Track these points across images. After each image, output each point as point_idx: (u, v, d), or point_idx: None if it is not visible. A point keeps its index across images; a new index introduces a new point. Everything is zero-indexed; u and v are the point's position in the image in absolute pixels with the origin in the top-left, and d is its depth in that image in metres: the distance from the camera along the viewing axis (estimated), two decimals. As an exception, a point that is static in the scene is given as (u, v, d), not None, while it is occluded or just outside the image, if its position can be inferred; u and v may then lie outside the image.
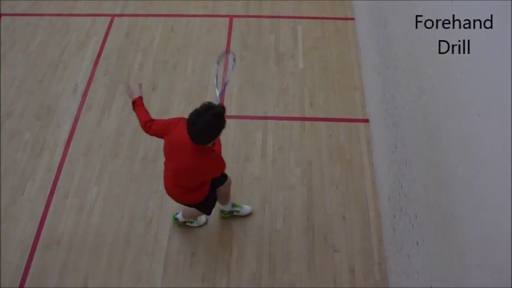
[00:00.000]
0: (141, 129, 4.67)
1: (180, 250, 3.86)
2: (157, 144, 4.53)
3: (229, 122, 4.66)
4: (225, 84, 3.55)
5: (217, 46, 5.42)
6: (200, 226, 3.95)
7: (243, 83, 5.04)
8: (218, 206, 3.81)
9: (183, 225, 3.94)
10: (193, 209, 3.56)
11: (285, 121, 4.70)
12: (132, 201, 4.15)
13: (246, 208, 4.01)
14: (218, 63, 3.55)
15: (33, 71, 5.20)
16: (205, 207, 3.55)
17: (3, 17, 5.80)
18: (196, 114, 2.79)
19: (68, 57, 5.33)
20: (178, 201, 3.45)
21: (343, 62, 5.20)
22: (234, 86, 5.01)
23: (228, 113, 4.75)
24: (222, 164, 3.10)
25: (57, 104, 4.88)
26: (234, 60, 3.56)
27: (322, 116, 4.73)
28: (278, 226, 3.98)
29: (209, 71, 5.15)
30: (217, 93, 3.40)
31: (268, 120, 4.71)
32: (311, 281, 3.69)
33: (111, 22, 5.71)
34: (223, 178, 3.59)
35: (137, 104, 3.36)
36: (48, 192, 4.22)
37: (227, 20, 5.72)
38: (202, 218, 3.94)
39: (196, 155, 2.96)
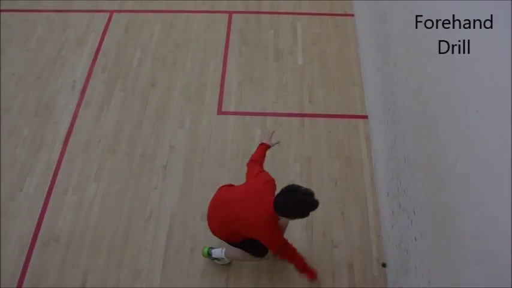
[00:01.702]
0: (139, 125, 4.68)
1: (179, 246, 3.86)
2: (156, 141, 4.53)
3: (228, 119, 4.71)
4: None
5: (216, 42, 5.41)
6: (224, 264, 3.73)
7: (242, 79, 5.03)
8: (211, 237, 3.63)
9: (209, 258, 3.71)
10: (248, 259, 3.46)
11: (284, 117, 4.70)
12: (131, 197, 4.15)
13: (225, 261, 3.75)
14: None
15: (31, 67, 5.18)
16: (257, 249, 3.35)
17: (1, 13, 5.78)
18: (294, 189, 2.94)
19: (66, 54, 5.32)
20: (223, 239, 3.37)
21: (343, 58, 5.19)
22: (233, 82, 5.00)
23: (226, 109, 4.78)
24: (277, 238, 3.10)
25: (55, 101, 4.87)
26: None
27: (321, 112, 4.73)
28: (277, 222, 3.98)
29: (208, 68, 5.14)
30: None
31: (267, 117, 4.70)
32: (310, 277, 3.69)
33: (109, 18, 5.69)
34: (259, 252, 3.41)
35: (261, 150, 3.46)
36: (47, 188, 4.22)
37: (226, 16, 5.71)
38: (225, 259, 3.72)
39: (262, 217, 2.99)
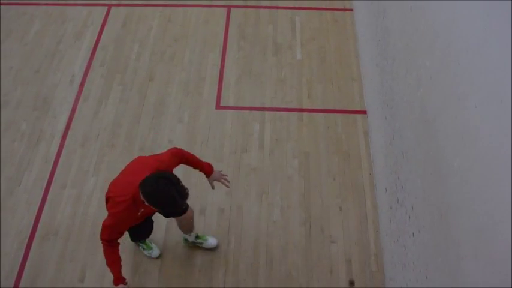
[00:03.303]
0: (138, 120, 4.68)
1: (178, 241, 3.86)
2: (155, 135, 4.53)
3: (226, 113, 4.70)
4: None
5: (214, 36, 5.39)
6: (150, 258, 3.73)
7: (240, 74, 5.02)
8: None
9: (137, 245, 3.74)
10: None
11: (282, 112, 4.70)
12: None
13: (211, 242, 3.74)
14: None
15: (29, 61, 5.16)
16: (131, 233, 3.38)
17: (-1, 6, 5.75)
18: (165, 177, 2.67)
19: (64, 47, 5.30)
20: None
21: (341, 53, 5.18)
22: (232, 77, 5.00)
23: (225, 104, 4.77)
24: (105, 226, 2.88)
25: (53, 95, 4.86)
26: None
27: (320, 107, 4.73)
28: (275, 217, 3.99)
29: (206, 62, 5.13)
30: None
31: (266, 112, 4.70)
32: (308, 271, 3.71)
33: (107, 12, 5.67)
34: (181, 210, 3.30)
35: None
36: (45, 183, 4.22)
37: (225, 10, 5.69)
38: (155, 251, 3.73)
39: (127, 184, 2.83)
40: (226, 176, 3.37)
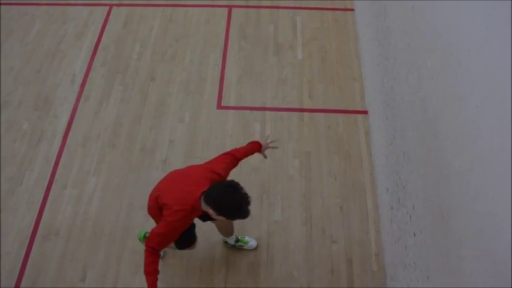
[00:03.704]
0: (139, 120, 4.69)
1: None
2: (156, 135, 4.54)
3: (227, 113, 4.70)
4: None
5: (215, 36, 5.39)
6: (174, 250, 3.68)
7: (241, 74, 5.02)
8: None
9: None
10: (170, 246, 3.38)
11: (283, 112, 4.70)
12: (131, 191, 4.16)
13: (252, 244, 3.77)
14: None
15: (30, 61, 5.17)
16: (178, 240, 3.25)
17: (0, 6, 5.75)
18: (234, 186, 2.70)
19: (65, 47, 5.30)
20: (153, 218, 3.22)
21: (342, 53, 5.18)
22: (233, 76, 5.00)
23: (226, 103, 4.77)
24: (157, 234, 2.82)
25: (55, 94, 4.87)
26: None
27: (321, 107, 4.73)
28: (276, 217, 3.99)
29: (207, 62, 5.13)
30: None
31: (267, 111, 4.70)
32: (309, 271, 3.71)
33: (109, 12, 5.67)
34: (246, 216, 3.23)
35: (252, 146, 3.38)
36: (47, 182, 4.22)
37: (226, 10, 5.69)
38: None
39: (186, 194, 2.80)
40: (272, 141, 3.47)
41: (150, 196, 3.11)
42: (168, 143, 4.47)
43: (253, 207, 4.03)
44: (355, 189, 4.15)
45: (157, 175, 4.23)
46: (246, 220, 3.93)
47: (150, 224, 3.95)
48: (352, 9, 5.60)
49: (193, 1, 5.78)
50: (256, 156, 4.37)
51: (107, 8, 5.72)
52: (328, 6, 5.67)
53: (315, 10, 5.64)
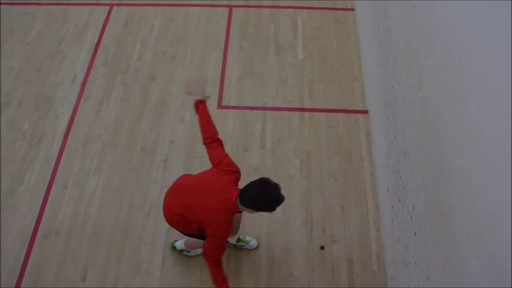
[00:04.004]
0: (139, 119, 4.69)
1: (179, 240, 3.86)
2: (156, 135, 4.53)
3: (228, 113, 4.70)
4: None
5: (216, 36, 5.39)
6: (197, 255, 3.75)
7: (242, 74, 5.02)
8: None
9: (179, 253, 3.76)
10: (200, 244, 3.41)
11: (284, 112, 4.69)
12: (131, 191, 4.16)
13: (252, 243, 3.80)
14: None
15: (31, 61, 5.17)
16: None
17: (1, 6, 5.75)
18: (267, 182, 2.78)
19: (66, 47, 5.30)
20: (176, 228, 3.25)
21: (343, 53, 5.18)
22: (233, 76, 5.00)
23: (227, 103, 4.77)
24: (211, 250, 2.90)
25: (55, 94, 4.87)
26: None
27: (322, 107, 4.73)
28: (277, 217, 3.99)
29: (208, 62, 5.13)
30: None
31: (267, 111, 4.70)
32: (309, 271, 3.71)
33: (109, 12, 5.67)
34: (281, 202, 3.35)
35: (200, 112, 3.17)
36: (47, 182, 4.22)
37: (226, 9, 5.69)
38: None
39: (220, 206, 2.86)
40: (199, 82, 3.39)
41: (168, 210, 3.13)
42: (169, 142, 4.47)
43: (253, 207, 4.04)
44: (355, 189, 4.15)
45: (158, 175, 4.24)
46: (246, 220, 3.96)
47: (150, 224, 3.96)
48: (353, 9, 5.60)
49: (194, 1, 5.78)
50: (257, 154, 4.39)
51: (108, 7, 5.72)
52: (329, 6, 5.67)
53: (316, 10, 5.64)
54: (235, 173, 3.04)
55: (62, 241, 3.89)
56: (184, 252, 3.75)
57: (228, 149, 4.40)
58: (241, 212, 2.92)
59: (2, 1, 5.80)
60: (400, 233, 3.29)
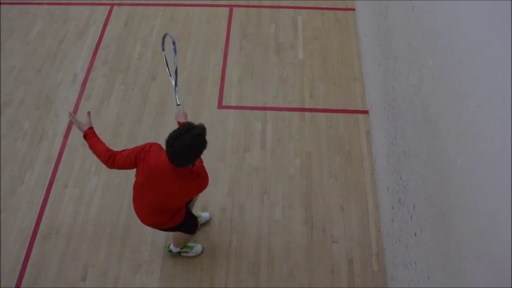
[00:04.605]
0: (140, 119, 4.69)
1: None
2: (156, 134, 4.53)
3: (228, 113, 4.70)
4: (175, 71, 3.39)
5: (216, 36, 5.39)
6: (197, 255, 3.76)
7: (242, 73, 5.02)
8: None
9: (179, 256, 3.75)
10: (181, 234, 3.45)
11: (284, 112, 4.69)
12: (132, 191, 4.14)
13: (205, 216, 3.88)
14: (163, 49, 3.41)
15: (31, 60, 5.17)
16: (189, 226, 3.39)
17: (1, 6, 5.76)
18: (176, 136, 2.65)
19: (66, 47, 5.31)
20: (157, 228, 3.27)
21: (343, 53, 5.18)
22: (234, 76, 5.00)
23: (227, 103, 4.77)
24: (204, 179, 2.94)
25: (56, 94, 4.87)
26: (174, 43, 3.38)
27: (322, 107, 4.73)
28: (277, 217, 3.99)
29: (208, 61, 5.14)
30: (173, 82, 3.35)
31: (268, 111, 4.70)
32: (309, 271, 3.71)
33: (110, 11, 5.67)
34: (193, 229, 3.50)
35: (89, 137, 3.02)
36: (48, 182, 4.22)
37: (227, 9, 5.69)
38: (198, 247, 3.76)
39: (178, 178, 2.82)
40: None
41: (141, 215, 3.17)
42: (169, 142, 4.46)
43: (254, 207, 4.06)
44: (355, 189, 4.15)
45: (158, 174, 4.24)
46: (246, 219, 3.96)
47: (150, 224, 3.96)
48: (353, 9, 5.60)
49: (195, 1, 5.78)
50: (257, 154, 4.39)
51: (108, 7, 5.72)
52: (329, 6, 5.67)
53: (316, 10, 5.64)
54: (147, 148, 2.95)
55: (62, 241, 3.89)
56: (182, 254, 3.75)
57: (228, 148, 4.42)
58: (194, 166, 2.86)
59: (2, 1, 5.80)
60: (400, 233, 3.29)
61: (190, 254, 3.75)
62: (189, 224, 3.38)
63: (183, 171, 2.80)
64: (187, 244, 3.72)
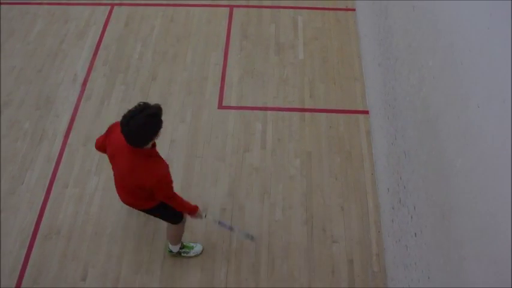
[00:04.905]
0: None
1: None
2: (157, 134, 4.53)
3: (228, 113, 4.70)
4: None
5: (217, 36, 5.39)
6: (197, 255, 3.75)
7: (242, 73, 5.02)
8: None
9: (179, 256, 3.75)
10: (175, 230, 3.48)
11: (284, 112, 4.69)
12: (132, 191, 4.15)
13: (197, 249, 3.77)
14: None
15: (32, 60, 5.18)
16: (166, 215, 3.35)
17: (1, 6, 5.76)
18: (130, 116, 2.63)
19: (67, 47, 5.31)
20: (134, 208, 3.29)
21: (344, 53, 5.18)
22: (234, 76, 5.00)
23: (227, 103, 4.77)
24: (160, 166, 2.88)
25: (56, 94, 4.87)
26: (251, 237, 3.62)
27: (322, 107, 4.73)
28: (277, 217, 3.99)
29: (209, 62, 5.14)
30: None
31: (268, 111, 4.70)
32: (310, 271, 3.71)
33: (110, 11, 5.67)
34: (175, 219, 3.42)
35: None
36: (48, 182, 4.22)
37: (227, 9, 5.69)
38: (198, 247, 3.76)
39: (133, 158, 2.82)
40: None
41: (122, 195, 3.24)
42: (170, 142, 4.47)
43: (254, 207, 4.05)
44: (356, 189, 4.15)
45: (159, 175, 4.24)
46: (246, 219, 3.95)
47: (151, 224, 3.96)
48: (354, 9, 5.60)
49: (195, 1, 5.79)
50: (257, 155, 4.39)
51: (109, 7, 5.72)
52: (330, 6, 5.67)
53: (316, 10, 5.64)
54: (111, 129, 3.02)
55: (62, 241, 3.89)
56: (183, 254, 3.75)
57: (229, 149, 4.42)
58: (153, 146, 2.88)
59: (3, 0, 5.80)
60: (400, 233, 3.29)
61: (191, 254, 3.75)
62: (165, 213, 3.30)
63: (140, 152, 2.81)
64: (187, 244, 3.73)
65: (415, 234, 2.93)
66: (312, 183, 4.19)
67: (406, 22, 3.30)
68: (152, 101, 4.76)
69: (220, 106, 4.75)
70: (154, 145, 2.93)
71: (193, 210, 3.22)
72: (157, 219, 3.84)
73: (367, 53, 4.78)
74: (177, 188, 4.14)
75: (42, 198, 4.12)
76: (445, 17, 2.55)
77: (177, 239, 3.64)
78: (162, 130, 2.81)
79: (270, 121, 4.62)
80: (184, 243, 3.74)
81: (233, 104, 4.77)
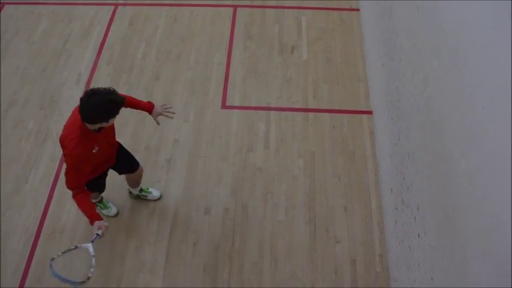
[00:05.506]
0: (143, 119, 4.69)
1: (182, 240, 3.87)
2: (161, 134, 4.54)
3: (232, 113, 4.71)
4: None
5: (220, 36, 5.40)
6: (109, 216, 3.96)
7: (246, 74, 5.02)
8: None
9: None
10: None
11: (288, 112, 4.69)
12: (135, 190, 4.16)
13: (155, 194, 4.06)
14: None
15: (36, 60, 5.19)
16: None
17: (6, 6, 5.78)
18: (96, 93, 2.78)
19: (71, 46, 5.32)
20: None
21: (347, 53, 5.17)
22: (237, 76, 5.00)
23: (231, 103, 4.78)
24: (70, 153, 2.95)
25: (60, 93, 4.89)
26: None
27: (326, 107, 4.72)
28: (280, 217, 3.99)
29: (212, 61, 5.14)
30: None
31: (271, 111, 4.70)
32: (312, 271, 3.70)
33: (114, 11, 5.69)
34: (133, 167, 3.70)
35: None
36: (52, 181, 4.24)
37: (231, 9, 5.69)
38: (113, 209, 3.97)
39: (73, 123, 2.94)
40: (170, 107, 3.51)
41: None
42: (173, 142, 4.47)
43: (257, 207, 4.06)
44: (359, 189, 4.14)
45: (162, 174, 4.25)
46: (249, 218, 3.95)
47: (154, 223, 3.97)
48: (358, 9, 5.59)
49: (199, 1, 5.79)
50: (261, 155, 4.39)
51: (113, 7, 5.73)
52: (334, 6, 5.67)
53: (320, 10, 5.63)
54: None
55: (66, 240, 3.90)
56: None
57: (232, 149, 4.42)
58: (94, 132, 2.96)
59: (7, 1, 5.82)
60: (403, 234, 3.28)
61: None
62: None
63: (82, 125, 2.90)
64: (103, 202, 3.95)
65: (419, 235, 2.92)
66: (315, 184, 4.19)
67: (411, 22, 3.29)
68: (156, 100, 4.80)
69: (224, 106, 4.75)
70: (100, 130, 3.00)
71: (90, 220, 3.16)
72: (159, 217, 3.86)
73: (371, 53, 4.77)
74: (181, 187, 4.15)
75: (46, 197, 4.14)
76: (450, 17, 2.54)
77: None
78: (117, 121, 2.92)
79: (273, 121, 4.62)
80: (104, 200, 3.95)
81: (236, 104, 4.77)
